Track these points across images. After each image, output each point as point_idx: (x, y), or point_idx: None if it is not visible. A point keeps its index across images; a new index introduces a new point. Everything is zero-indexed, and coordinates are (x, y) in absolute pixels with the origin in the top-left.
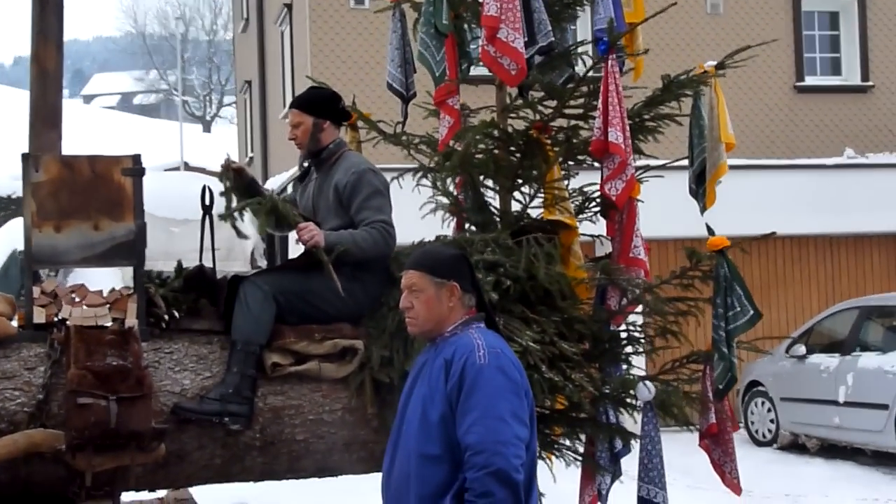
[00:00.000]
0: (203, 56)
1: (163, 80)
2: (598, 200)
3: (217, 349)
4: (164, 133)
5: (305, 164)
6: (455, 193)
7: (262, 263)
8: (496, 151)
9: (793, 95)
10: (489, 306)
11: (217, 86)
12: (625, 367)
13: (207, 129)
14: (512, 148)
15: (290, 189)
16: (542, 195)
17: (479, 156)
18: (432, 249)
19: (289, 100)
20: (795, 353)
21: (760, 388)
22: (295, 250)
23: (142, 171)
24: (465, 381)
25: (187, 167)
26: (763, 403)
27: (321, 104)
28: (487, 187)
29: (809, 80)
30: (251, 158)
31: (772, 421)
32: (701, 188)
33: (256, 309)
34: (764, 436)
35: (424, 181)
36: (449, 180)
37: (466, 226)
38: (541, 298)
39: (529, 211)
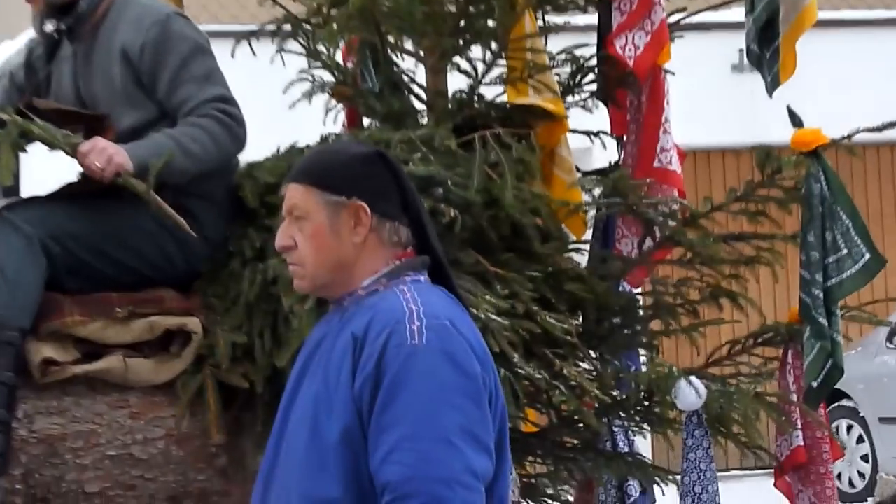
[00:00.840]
0: None
1: None
2: (598, 70)
3: None
4: None
5: (50, 30)
6: (346, 64)
7: None
8: None
9: None
10: (436, 245)
11: None
12: (645, 355)
13: None
14: None
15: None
16: (505, 63)
17: None
18: (327, 149)
19: None
20: None
21: (846, 402)
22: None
23: None
24: (386, 373)
25: None
26: (850, 428)
27: None
28: (405, 52)
29: None
30: None
31: (865, 458)
32: (768, 49)
33: (13, 266)
34: (852, 483)
35: (293, 44)
36: (338, 41)
37: (368, 122)
38: (507, 239)
39: (482, 91)
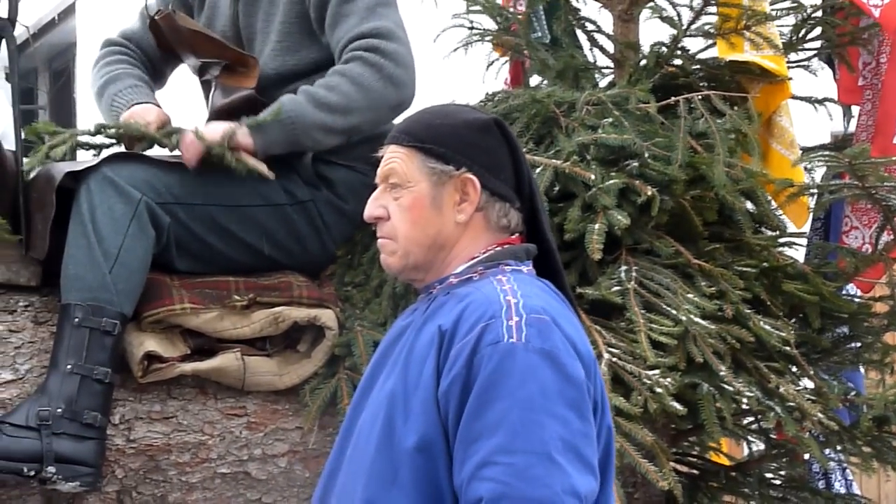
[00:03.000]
0: None
1: None
2: (826, 24)
3: (27, 323)
4: None
5: None
6: (511, 8)
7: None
8: None
9: None
10: (549, 235)
11: None
12: (863, 372)
13: None
14: None
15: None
16: (716, 9)
17: None
18: (438, 111)
19: None
20: None
21: None
22: None
23: None
24: (479, 375)
25: None
26: None
27: None
28: None
29: None
30: None
31: None
32: None
33: (114, 239)
34: None
35: None
36: None
37: (533, 80)
38: (714, 226)
39: (685, 43)
